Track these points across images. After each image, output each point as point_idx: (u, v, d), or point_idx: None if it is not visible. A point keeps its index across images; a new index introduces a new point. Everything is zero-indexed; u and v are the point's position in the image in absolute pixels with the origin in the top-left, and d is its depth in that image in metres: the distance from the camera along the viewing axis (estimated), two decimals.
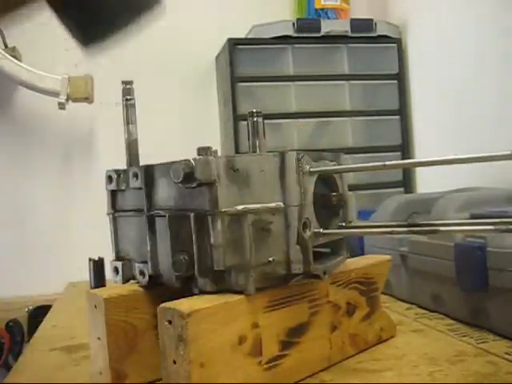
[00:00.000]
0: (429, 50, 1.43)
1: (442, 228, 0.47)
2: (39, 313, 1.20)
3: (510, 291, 0.58)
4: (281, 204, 0.48)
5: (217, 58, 1.83)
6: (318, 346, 0.54)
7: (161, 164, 0.49)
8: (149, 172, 0.51)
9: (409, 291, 0.81)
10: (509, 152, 0.43)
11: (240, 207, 0.46)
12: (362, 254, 0.74)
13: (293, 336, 0.51)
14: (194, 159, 0.45)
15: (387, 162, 0.49)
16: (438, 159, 0.53)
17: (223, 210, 0.45)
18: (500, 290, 0.59)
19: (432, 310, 0.75)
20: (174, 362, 0.43)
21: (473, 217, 0.65)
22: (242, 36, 1.69)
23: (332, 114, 1.68)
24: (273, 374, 0.48)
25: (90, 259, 1.06)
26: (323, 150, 0.54)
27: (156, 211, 0.50)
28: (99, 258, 1.05)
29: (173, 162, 0.46)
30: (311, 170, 0.49)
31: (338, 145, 1.62)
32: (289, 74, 1.66)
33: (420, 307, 0.78)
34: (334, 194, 0.55)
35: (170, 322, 0.43)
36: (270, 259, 0.47)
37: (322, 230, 0.50)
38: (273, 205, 0.47)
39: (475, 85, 1.21)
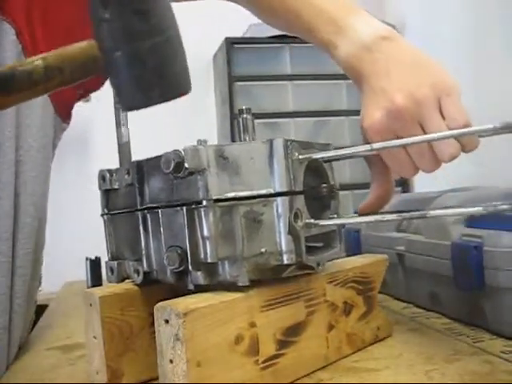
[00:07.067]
0: (426, 50, 1.43)
1: (431, 212, 0.47)
2: (35, 312, 1.19)
3: (507, 290, 0.59)
4: (271, 190, 0.48)
5: (214, 57, 1.83)
6: (315, 345, 0.54)
7: (151, 158, 0.50)
8: (140, 167, 0.51)
9: (405, 290, 0.81)
10: (491, 126, 0.42)
11: (231, 194, 0.46)
12: (359, 253, 0.73)
13: (290, 335, 0.51)
14: (184, 149, 0.45)
15: (374, 144, 0.49)
16: None
17: (214, 197, 0.45)
18: (496, 289, 0.60)
19: (428, 309, 0.75)
20: (171, 361, 0.43)
21: (470, 216, 0.65)
22: (240, 35, 1.69)
23: (329, 113, 1.68)
24: (270, 373, 0.48)
25: (86, 258, 1.06)
26: None
27: (148, 205, 0.50)
28: (96, 257, 1.05)
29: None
30: (300, 156, 0.49)
31: (336, 144, 1.62)
32: (286, 73, 1.66)
33: (416, 306, 0.78)
34: (325, 184, 0.55)
35: (166, 321, 0.43)
36: (263, 250, 0.47)
37: (313, 221, 0.50)
38: (263, 191, 0.47)
39: (474, 85, 1.22)
